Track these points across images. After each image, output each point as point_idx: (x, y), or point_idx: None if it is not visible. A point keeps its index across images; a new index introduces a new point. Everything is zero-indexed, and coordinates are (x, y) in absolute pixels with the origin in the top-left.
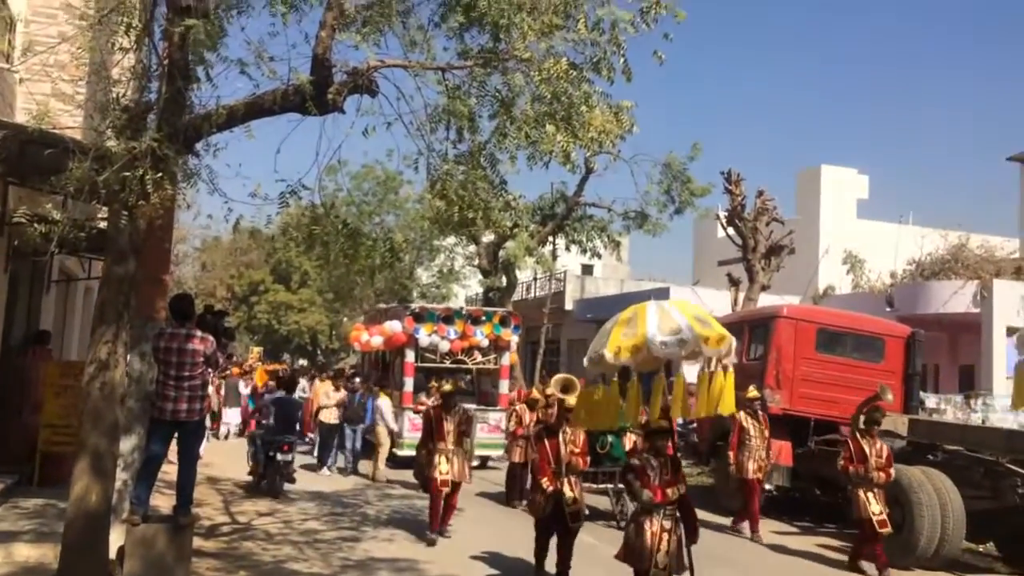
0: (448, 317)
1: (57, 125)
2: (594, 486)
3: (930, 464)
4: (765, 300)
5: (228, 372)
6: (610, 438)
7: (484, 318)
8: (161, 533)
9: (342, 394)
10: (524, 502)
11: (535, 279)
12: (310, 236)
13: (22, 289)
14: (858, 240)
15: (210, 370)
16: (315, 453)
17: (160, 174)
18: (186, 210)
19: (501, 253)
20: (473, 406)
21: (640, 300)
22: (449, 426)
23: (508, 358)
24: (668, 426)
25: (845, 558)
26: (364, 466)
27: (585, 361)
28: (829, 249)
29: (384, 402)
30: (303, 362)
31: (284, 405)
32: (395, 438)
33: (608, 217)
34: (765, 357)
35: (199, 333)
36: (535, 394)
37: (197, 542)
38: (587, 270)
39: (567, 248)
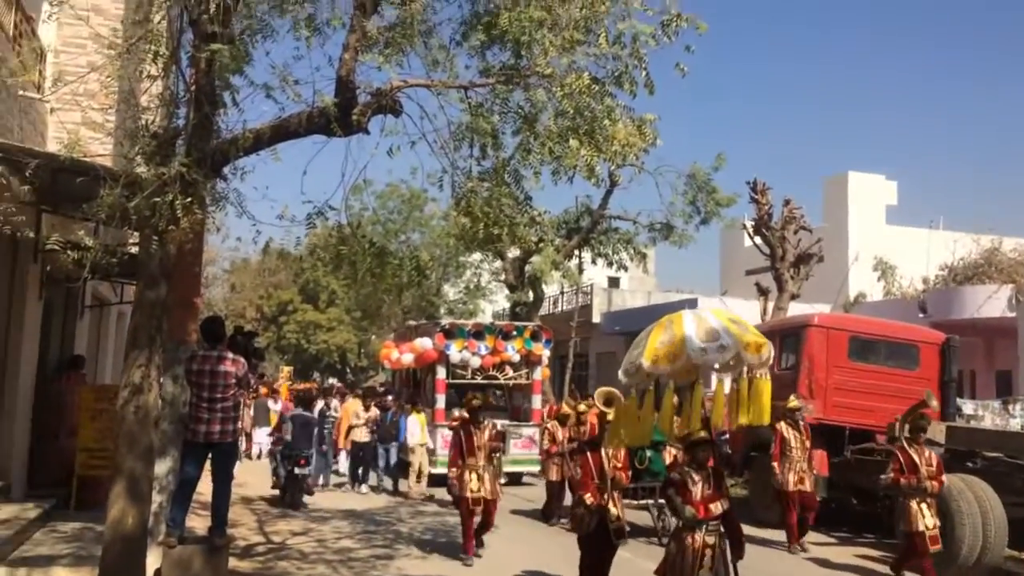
0: (479, 332)
1: (88, 153)
2: (634, 502)
3: (970, 472)
4: (795, 309)
5: (257, 392)
6: (649, 452)
7: (515, 333)
8: (197, 555)
9: (373, 412)
10: (562, 520)
11: (562, 293)
12: (337, 256)
13: (56, 315)
14: (888, 246)
15: (242, 391)
16: (347, 472)
17: (189, 199)
18: (215, 233)
19: (527, 268)
20: (506, 421)
21: (668, 312)
22: (479, 441)
23: (540, 372)
24: (709, 438)
25: (887, 569)
26: (399, 485)
27: (620, 374)
28: (859, 256)
29: (414, 419)
30: (333, 381)
31: (301, 421)
32: (430, 455)
33: (634, 229)
34: (797, 366)
35: (230, 355)
36: (565, 409)
37: (233, 562)
38: (614, 283)
39: (593, 261)
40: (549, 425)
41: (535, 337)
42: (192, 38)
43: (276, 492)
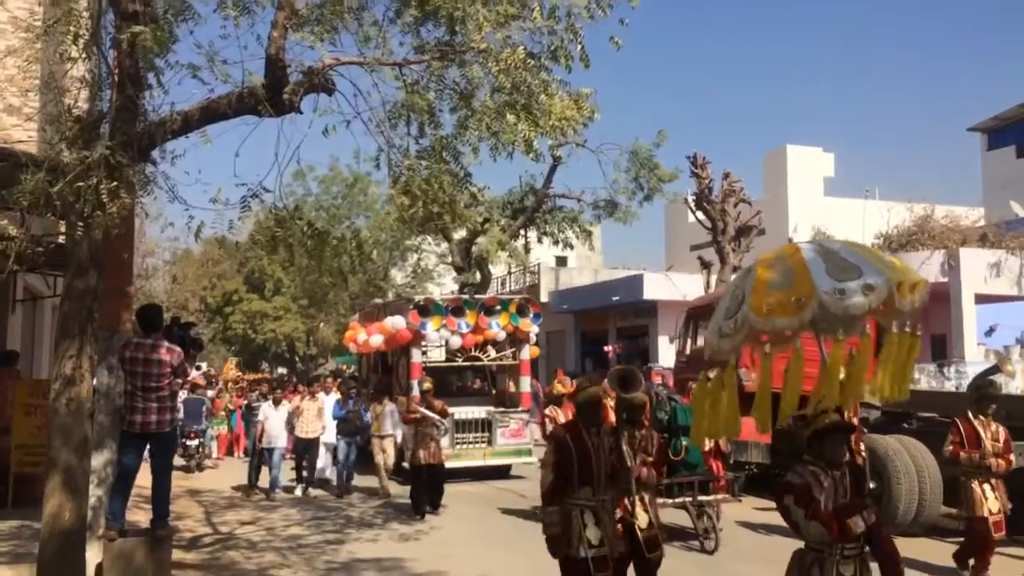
0: (458, 308)
1: (9, 140)
2: (669, 501)
3: (905, 432)
4: None
5: (196, 386)
6: (684, 440)
7: (499, 307)
8: (139, 547)
9: (319, 402)
10: None
11: (509, 273)
12: (273, 239)
13: None
14: (826, 217)
15: (178, 380)
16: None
17: (115, 183)
18: (152, 221)
19: (474, 249)
20: (491, 407)
21: (615, 289)
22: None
23: (528, 351)
24: (846, 422)
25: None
26: (362, 481)
27: (709, 337)
28: (798, 227)
29: (392, 408)
30: (282, 370)
31: (189, 403)
32: (403, 450)
33: (578, 207)
34: None
35: (166, 343)
36: (559, 388)
37: (179, 554)
38: (561, 262)
39: (539, 240)
40: (548, 411)
41: (522, 311)
42: (114, 18)
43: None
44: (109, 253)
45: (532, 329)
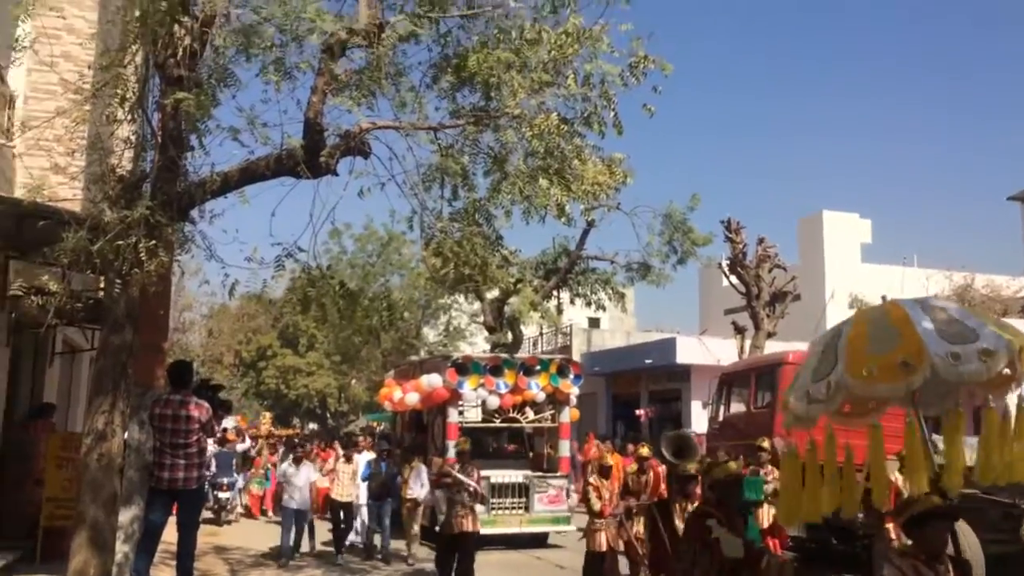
0: (496, 367)
1: (55, 198)
2: None
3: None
4: (772, 347)
5: (224, 440)
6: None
7: (539, 367)
8: None
9: (355, 464)
10: None
11: (541, 334)
12: (305, 298)
13: (25, 362)
14: (863, 284)
15: (207, 437)
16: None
17: (154, 241)
18: (189, 278)
19: (506, 309)
20: (528, 471)
21: (648, 352)
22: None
23: (568, 414)
24: (946, 506)
25: None
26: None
27: (793, 403)
28: (835, 294)
29: (421, 470)
30: (313, 426)
31: (220, 456)
32: (436, 513)
33: (611, 269)
34: (772, 404)
35: (195, 399)
36: (608, 459)
37: None
38: (593, 323)
39: (572, 301)
40: (593, 479)
41: (562, 372)
42: (159, 83)
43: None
44: (145, 310)
45: (572, 391)
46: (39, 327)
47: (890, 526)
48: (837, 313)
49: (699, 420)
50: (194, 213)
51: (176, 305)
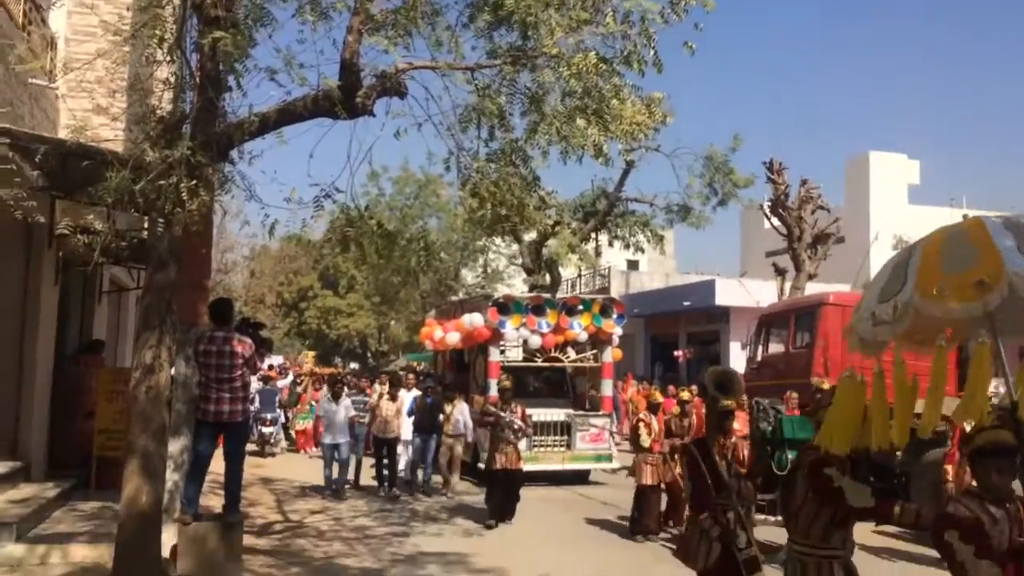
0: (539, 307)
1: (97, 138)
2: (771, 519)
3: None
4: (813, 289)
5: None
6: (791, 454)
7: (581, 307)
8: (212, 532)
9: (399, 402)
10: (662, 537)
11: (579, 276)
12: (344, 238)
13: (74, 300)
14: (910, 226)
15: (249, 372)
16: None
17: (195, 181)
18: (231, 219)
19: (544, 251)
20: (569, 410)
21: (687, 294)
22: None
23: (610, 353)
24: (1010, 442)
25: (909, 547)
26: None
27: (856, 326)
28: (879, 236)
29: (464, 407)
30: (354, 365)
31: (263, 392)
32: (477, 449)
33: (650, 212)
34: (812, 345)
35: (237, 336)
36: (657, 396)
37: (250, 540)
38: (632, 265)
39: (610, 244)
40: (643, 415)
41: (605, 312)
42: (196, 23)
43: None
44: (188, 249)
45: (615, 331)
46: (86, 265)
47: (949, 467)
48: (881, 255)
49: (738, 361)
50: (233, 154)
51: (218, 245)
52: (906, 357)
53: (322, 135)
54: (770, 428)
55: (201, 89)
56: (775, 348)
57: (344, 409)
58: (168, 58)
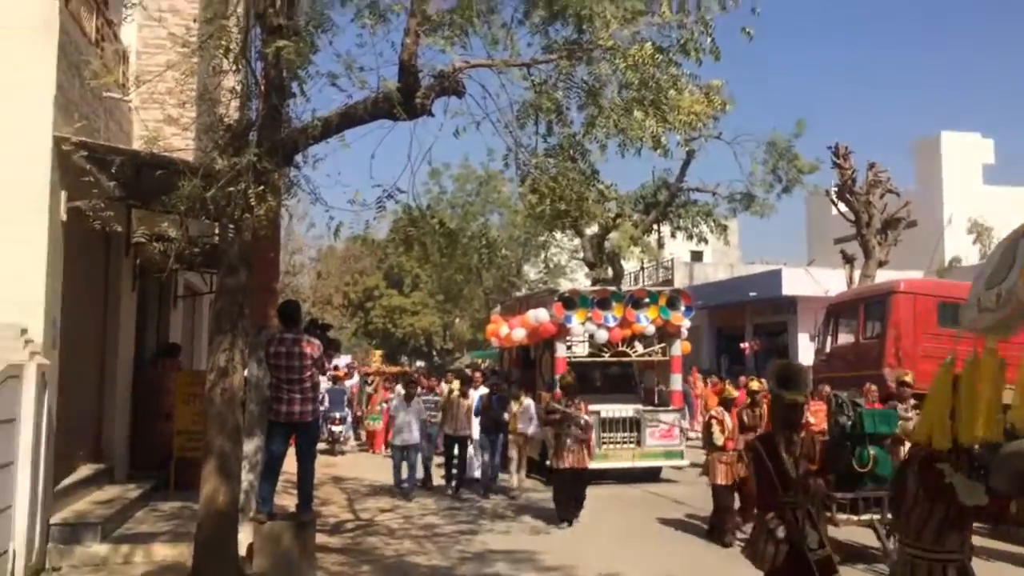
0: (604, 301)
1: (169, 148)
2: (854, 518)
3: None
4: (884, 277)
5: (336, 379)
6: (872, 449)
7: (648, 300)
8: (287, 530)
9: (470, 400)
10: (737, 538)
11: (642, 269)
12: (406, 238)
13: (151, 306)
14: (985, 207)
15: (319, 373)
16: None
17: (262, 187)
18: (297, 222)
19: (606, 244)
20: (638, 406)
21: (753, 285)
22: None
23: (679, 347)
24: None
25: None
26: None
27: (965, 311)
28: (952, 219)
29: (530, 404)
30: (420, 363)
31: (332, 392)
32: (545, 447)
33: (713, 201)
34: (883, 335)
35: (306, 337)
36: (730, 390)
37: (323, 538)
38: (696, 256)
39: (673, 235)
40: (715, 412)
41: (672, 304)
42: (260, 33)
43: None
44: (257, 253)
45: (683, 323)
46: (161, 272)
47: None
48: (956, 239)
49: (806, 353)
50: (298, 158)
51: (286, 248)
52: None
53: (383, 137)
54: (850, 423)
55: (266, 97)
56: (845, 339)
57: (416, 411)
58: (234, 68)
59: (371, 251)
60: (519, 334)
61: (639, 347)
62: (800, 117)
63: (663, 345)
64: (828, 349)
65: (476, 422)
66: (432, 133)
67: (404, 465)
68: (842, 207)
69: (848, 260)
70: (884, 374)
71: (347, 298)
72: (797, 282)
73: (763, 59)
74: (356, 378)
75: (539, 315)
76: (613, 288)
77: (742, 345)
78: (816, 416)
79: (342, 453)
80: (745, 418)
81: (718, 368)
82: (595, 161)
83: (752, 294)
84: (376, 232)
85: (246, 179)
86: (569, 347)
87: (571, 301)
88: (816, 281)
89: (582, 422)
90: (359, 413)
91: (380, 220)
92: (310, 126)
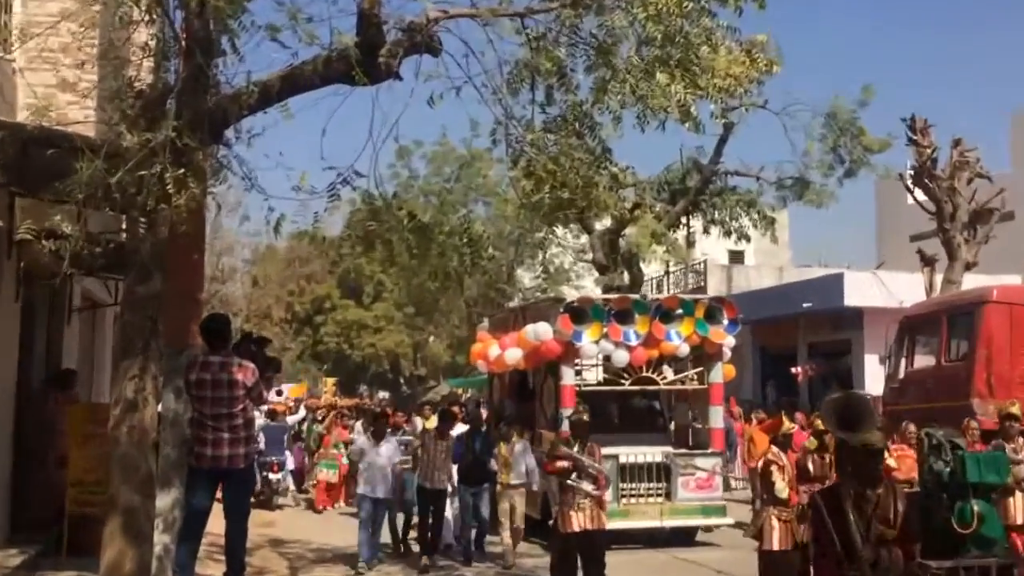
0: (624, 312)
1: (64, 121)
2: None
3: None
4: (973, 283)
5: (274, 412)
6: (977, 504)
7: (681, 311)
8: None
9: (449, 441)
10: None
11: (667, 273)
12: (367, 235)
13: (38, 320)
14: None
15: (254, 405)
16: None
17: (183, 170)
18: (227, 214)
19: (621, 242)
20: (668, 448)
21: (807, 293)
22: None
23: (720, 372)
24: None
25: None
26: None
27: None
28: None
29: (524, 447)
30: (384, 394)
31: (269, 430)
32: (548, 501)
33: (757, 188)
34: (971, 356)
35: (238, 360)
36: (788, 424)
37: None
38: (735, 258)
39: (706, 231)
40: (773, 454)
41: (712, 316)
42: None
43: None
44: (176, 253)
45: (726, 341)
46: (53, 277)
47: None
48: None
49: (875, 380)
50: (229, 133)
51: (212, 248)
52: None
53: (337, 106)
54: (947, 469)
55: (188, 55)
56: (923, 361)
57: (388, 454)
58: (146, 17)
59: (322, 251)
60: (513, 355)
61: (669, 372)
62: (867, 81)
63: (700, 370)
64: (902, 374)
65: (454, 470)
66: (400, 101)
67: (373, 525)
68: (920, 195)
69: (927, 262)
70: (973, 405)
71: (291, 311)
72: (863, 290)
73: (819, 6)
74: (302, 413)
75: (540, 331)
76: (636, 296)
77: (793, 370)
78: (901, 462)
79: (279, 507)
80: (811, 466)
81: (763, 399)
82: (607, 137)
83: (806, 305)
84: (328, 227)
85: (162, 159)
86: (579, 372)
87: (581, 313)
88: (887, 288)
89: (594, 472)
90: (305, 463)
91: (333, 212)
92: (244, 92)
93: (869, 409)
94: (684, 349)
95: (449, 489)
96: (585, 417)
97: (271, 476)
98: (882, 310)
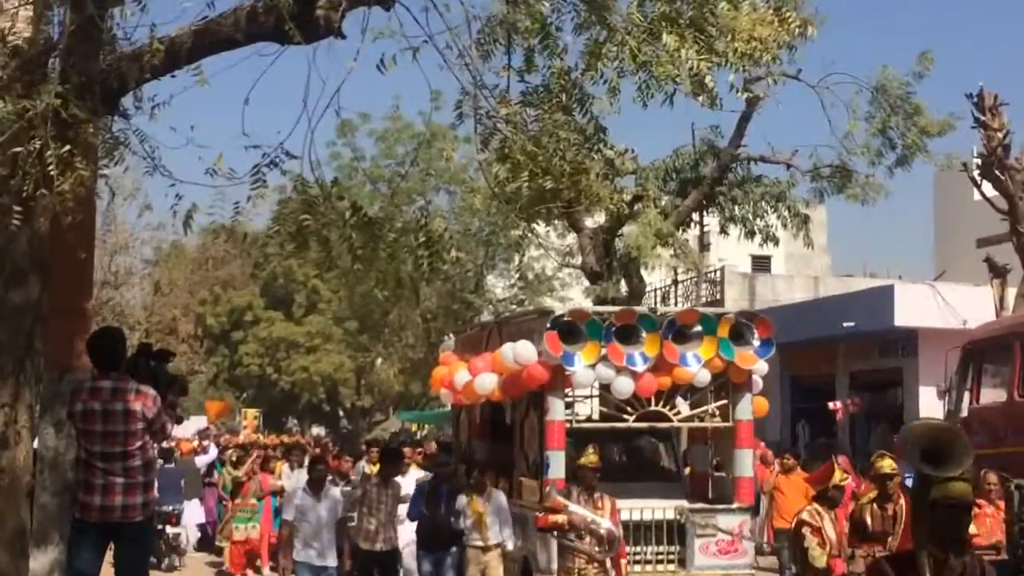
0: (628, 329)
1: None
2: None
3: None
4: None
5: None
6: None
7: (700, 328)
8: None
9: (396, 490)
10: None
11: (674, 282)
12: (299, 231)
13: None
14: None
15: (154, 442)
16: None
17: (68, 146)
18: (123, 203)
19: (617, 244)
20: (683, 502)
21: (849, 309)
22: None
23: (748, 406)
24: None
25: None
26: None
27: None
28: None
29: (501, 499)
30: (319, 430)
31: (165, 473)
32: (529, 567)
33: (787, 178)
34: None
35: (135, 385)
36: (838, 476)
37: None
38: (760, 264)
39: (723, 230)
40: (808, 514)
41: (738, 335)
42: None
43: None
44: (59, 252)
45: (758, 367)
46: None
47: None
48: None
49: (932, 416)
50: (126, 102)
51: (104, 245)
52: None
53: (263, 70)
54: None
55: (76, 3)
56: (992, 395)
57: (331, 507)
58: None
59: (242, 251)
60: (487, 383)
61: (684, 406)
62: (924, 48)
63: (724, 403)
64: (965, 411)
65: (410, 529)
66: (343, 65)
67: None
68: (988, 190)
69: (998, 273)
70: None
71: (202, 325)
72: (918, 306)
73: None
74: (213, 453)
75: (521, 352)
76: (642, 309)
77: (831, 405)
78: (979, 522)
79: (174, 568)
80: (869, 520)
81: (793, 439)
82: (601, 113)
83: (848, 324)
84: (251, 221)
85: (42, 133)
86: (569, 405)
87: (574, 330)
88: (948, 305)
89: (603, 532)
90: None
91: (258, 202)
92: (146, 51)
93: (963, 443)
94: (703, 376)
95: (401, 551)
96: (595, 460)
97: (168, 530)
98: (941, 331)
